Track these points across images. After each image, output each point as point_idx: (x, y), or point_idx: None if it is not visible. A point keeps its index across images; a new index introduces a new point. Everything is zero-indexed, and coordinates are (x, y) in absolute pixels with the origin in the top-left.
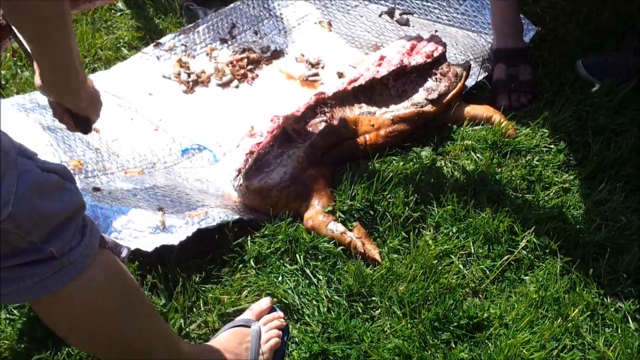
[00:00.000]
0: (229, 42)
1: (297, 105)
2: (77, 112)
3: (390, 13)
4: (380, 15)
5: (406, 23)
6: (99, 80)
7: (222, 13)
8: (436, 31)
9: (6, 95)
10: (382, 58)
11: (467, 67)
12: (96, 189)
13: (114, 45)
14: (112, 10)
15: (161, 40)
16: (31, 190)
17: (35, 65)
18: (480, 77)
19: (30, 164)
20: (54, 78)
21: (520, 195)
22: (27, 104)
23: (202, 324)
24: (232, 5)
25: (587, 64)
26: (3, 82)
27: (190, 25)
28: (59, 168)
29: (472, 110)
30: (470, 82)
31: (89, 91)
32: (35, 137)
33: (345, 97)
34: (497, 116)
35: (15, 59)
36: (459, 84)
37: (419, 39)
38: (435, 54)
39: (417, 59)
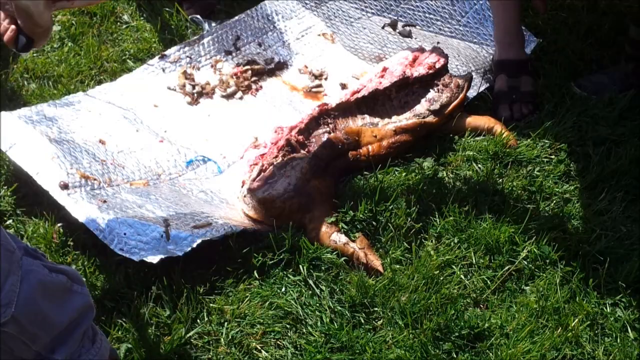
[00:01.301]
0: (234, 54)
1: (301, 117)
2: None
3: (393, 25)
4: (383, 27)
5: (409, 35)
6: (105, 91)
7: (227, 25)
8: (438, 43)
9: (13, 108)
10: (384, 69)
11: (468, 78)
12: (102, 201)
13: (119, 57)
14: (118, 23)
15: (166, 52)
16: (36, 291)
17: None
18: (482, 88)
19: (36, 264)
20: None
21: (521, 205)
22: (34, 116)
23: (205, 334)
24: (236, 17)
25: (580, 84)
26: (9, 94)
27: (195, 37)
28: (68, 269)
29: (473, 121)
30: (471, 93)
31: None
32: (41, 149)
33: (348, 109)
34: (498, 127)
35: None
36: (461, 95)
37: (421, 50)
38: (437, 65)
39: (419, 70)
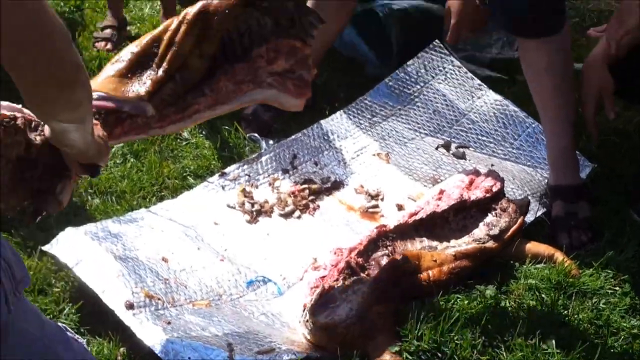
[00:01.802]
0: (291, 173)
1: (360, 238)
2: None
3: (447, 146)
4: (436, 148)
5: (462, 156)
6: (167, 209)
7: (284, 144)
8: (492, 165)
9: (78, 223)
10: (441, 192)
11: (525, 203)
12: (167, 322)
13: (180, 174)
14: (178, 139)
15: (226, 170)
16: None
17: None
18: (539, 213)
19: None
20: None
21: (589, 340)
22: (100, 233)
23: None
24: (293, 136)
25: (639, 210)
26: (74, 209)
27: (253, 155)
28: None
29: (533, 247)
30: (529, 218)
31: (98, 142)
32: (107, 266)
33: (406, 231)
34: (559, 255)
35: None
36: (519, 220)
37: (476, 173)
38: (494, 189)
39: (477, 194)
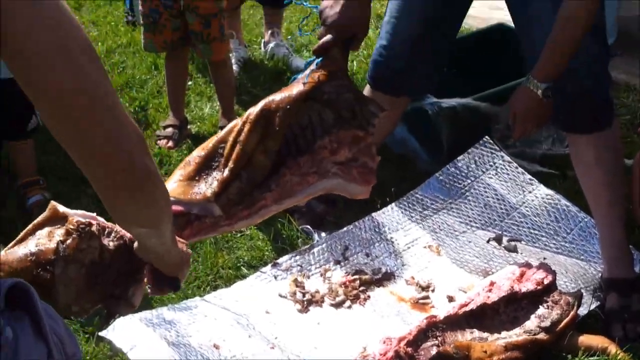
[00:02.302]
0: (342, 264)
1: (409, 328)
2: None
3: (498, 240)
4: (488, 242)
5: (514, 250)
6: (220, 297)
7: (336, 236)
8: (544, 258)
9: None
10: (492, 284)
11: (578, 296)
12: None
13: (234, 264)
14: (236, 232)
15: (278, 261)
16: None
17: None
18: (593, 306)
19: None
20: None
21: None
22: (154, 319)
23: None
24: (345, 228)
25: None
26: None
27: (305, 246)
28: None
29: (586, 340)
30: (582, 311)
31: (179, 250)
32: (160, 352)
33: (457, 322)
34: (613, 348)
35: None
36: (572, 313)
37: (528, 266)
38: (546, 282)
39: (528, 286)
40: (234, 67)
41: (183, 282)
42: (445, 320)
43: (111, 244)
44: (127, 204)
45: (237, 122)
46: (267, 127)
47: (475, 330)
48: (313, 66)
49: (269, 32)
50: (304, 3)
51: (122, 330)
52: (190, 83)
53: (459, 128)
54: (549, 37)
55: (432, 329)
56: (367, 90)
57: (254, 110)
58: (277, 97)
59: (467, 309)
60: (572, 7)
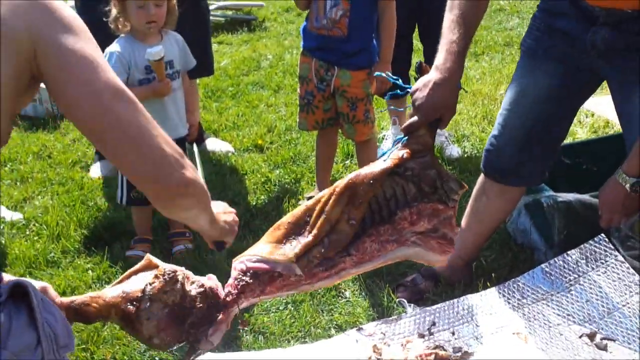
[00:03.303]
0: (426, 338)
1: None
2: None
3: (592, 336)
4: (580, 337)
5: (604, 348)
6: (300, 351)
7: (427, 310)
8: None
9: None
10: None
11: None
12: None
13: (326, 325)
14: (339, 297)
15: (364, 326)
16: None
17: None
18: None
19: None
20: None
21: None
22: None
23: None
24: (438, 304)
25: None
26: (228, 339)
27: (394, 317)
28: None
29: None
30: None
31: (220, 226)
32: None
33: None
34: None
35: None
36: None
37: None
38: None
39: None
40: None
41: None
42: None
43: (193, 290)
44: (170, 208)
45: (325, 193)
46: (352, 199)
47: None
48: (400, 144)
49: None
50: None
51: None
52: (347, 162)
53: (574, 223)
54: None
55: None
56: (481, 177)
57: (341, 182)
58: (362, 171)
59: None
60: None
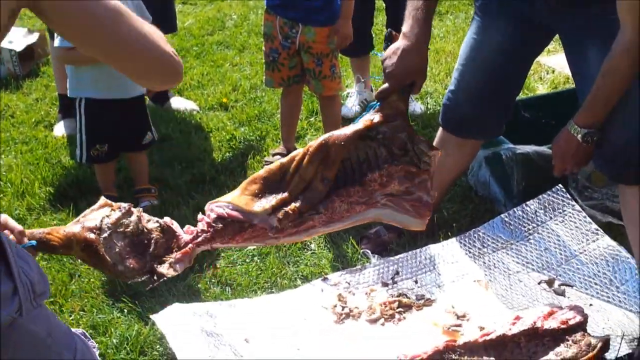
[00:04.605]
0: (390, 286)
1: (425, 348)
2: None
3: (550, 282)
4: (539, 283)
5: (562, 293)
6: (266, 301)
7: (389, 260)
8: (591, 305)
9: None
10: (517, 317)
11: (604, 339)
12: None
13: (292, 276)
14: (305, 249)
15: (329, 276)
16: None
17: None
18: (622, 353)
19: None
20: None
21: None
22: (199, 311)
23: None
24: (401, 254)
25: None
26: (193, 292)
27: (358, 267)
28: None
29: None
30: (610, 355)
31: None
32: (194, 339)
33: (475, 349)
34: None
35: None
36: (590, 354)
37: (560, 307)
38: (572, 322)
39: (552, 324)
40: (357, 107)
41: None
42: (463, 345)
43: (150, 224)
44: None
45: (299, 152)
46: (325, 159)
47: (492, 359)
48: (372, 110)
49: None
50: (378, 54)
51: (169, 317)
52: (312, 119)
53: (532, 174)
54: (593, 85)
55: (449, 351)
56: (440, 131)
57: (314, 143)
58: (335, 133)
59: (487, 337)
60: (615, 57)
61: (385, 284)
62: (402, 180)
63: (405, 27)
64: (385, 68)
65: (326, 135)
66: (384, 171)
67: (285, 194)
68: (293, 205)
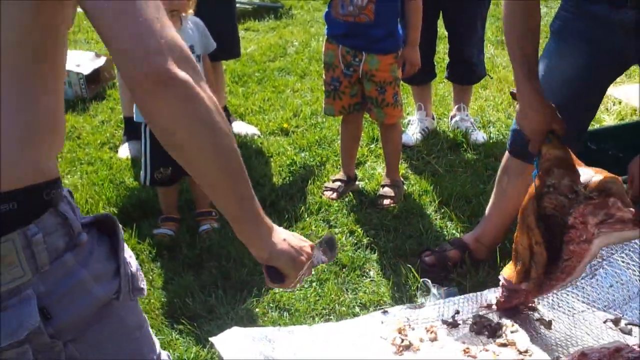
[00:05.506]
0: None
1: None
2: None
3: (616, 321)
4: (604, 322)
5: (629, 332)
6: (325, 329)
7: (451, 300)
8: None
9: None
10: (583, 354)
11: None
12: None
13: (350, 304)
14: (364, 276)
15: (389, 310)
16: None
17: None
18: None
19: None
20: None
21: None
22: (258, 336)
23: None
24: (462, 296)
25: None
26: (252, 315)
27: (419, 302)
28: None
29: None
30: None
31: (277, 246)
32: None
33: None
34: None
35: None
36: None
37: (626, 345)
38: None
39: None
40: (418, 135)
41: (296, 287)
42: None
43: None
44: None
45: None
46: (527, 228)
47: None
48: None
49: (456, 106)
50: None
51: (227, 340)
52: (372, 146)
53: None
54: None
55: None
56: (505, 157)
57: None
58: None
59: None
60: None
61: (445, 322)
62: (594, 212)
63: (518, 85)
64: (524, 129)
65: (520, 207)
66: (576, 214)
67: (519, 266)
68: (533, 271)
